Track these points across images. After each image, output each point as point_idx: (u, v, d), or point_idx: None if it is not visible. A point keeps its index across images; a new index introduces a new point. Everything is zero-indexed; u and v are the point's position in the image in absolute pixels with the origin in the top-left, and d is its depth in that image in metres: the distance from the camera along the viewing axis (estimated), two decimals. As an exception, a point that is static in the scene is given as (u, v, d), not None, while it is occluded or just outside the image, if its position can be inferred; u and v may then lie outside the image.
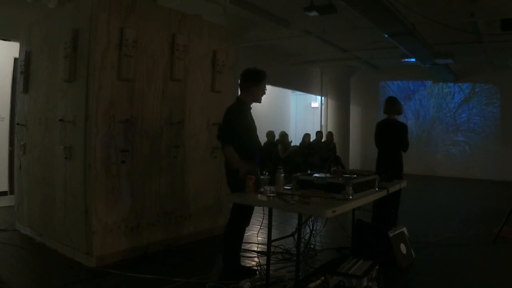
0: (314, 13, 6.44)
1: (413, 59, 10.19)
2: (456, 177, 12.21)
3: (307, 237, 3.82)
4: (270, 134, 10.41)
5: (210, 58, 4.79)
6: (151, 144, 4.15)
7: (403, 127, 4.92)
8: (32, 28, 4.72)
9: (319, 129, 13.14)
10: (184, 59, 4.41)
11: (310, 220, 3.75)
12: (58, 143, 4.07)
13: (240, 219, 3.50)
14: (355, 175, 3.42)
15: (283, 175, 3.24)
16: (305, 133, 11.56)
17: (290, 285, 3.21)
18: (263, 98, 3.61)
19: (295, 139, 12.25)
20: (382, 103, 5.23)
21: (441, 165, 12.83)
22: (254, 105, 3.61)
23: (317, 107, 15.11)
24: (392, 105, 5.01)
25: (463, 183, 11.23)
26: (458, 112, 12.77)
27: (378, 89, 14.10)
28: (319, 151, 10.73)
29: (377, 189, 3.52)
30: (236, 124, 3.42)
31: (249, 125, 3.53)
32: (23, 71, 4.74)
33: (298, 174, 3.51)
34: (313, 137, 11.65)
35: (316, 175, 3.33)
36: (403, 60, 10.66)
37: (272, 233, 3.08)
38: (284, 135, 10.29)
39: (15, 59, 6.38)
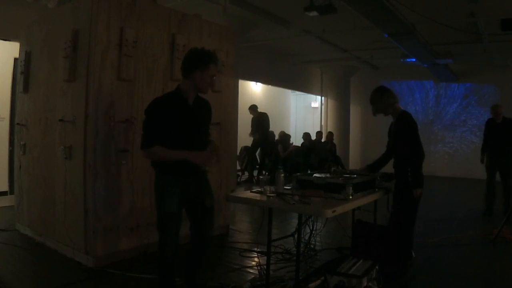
0: (314, 13, 6.42)
1: (413, 59, 10.19)
2: (456, 177, 12.19)
3: (307, 237, 3.81)
4: (270, 134, 10.43)
5: (210, 58, 4.78)
6: (151, 144, 4.14)
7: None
8: (32, 28, 4.71)
9: (319, 129, 13.13)
10: (184, 59, 4.40)
11: (310, 220, 3.75)
12: (58, 143, 4.07)
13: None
14: (355, 175, 3.43)
15: (283, 175, 3.24)
16: (304, 132, 11.56)
17: (290, 285, 3.21)
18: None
19: (295, 139, 12.23)
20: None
21: (440, 165, 12.80)
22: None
23: (317, 107, 15.10)
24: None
25: (463, 183, 11.21)
26: (457, 112, 12.76)
27: (378, 89, 14.06)
28: (318, 151, 10.72)
29: (377, 189, 3.53)
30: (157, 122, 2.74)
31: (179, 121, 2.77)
32: (23, 71, 4.73)
33: (298, 174, 3.51)
34: (313, 137, 11.65)
35: (316, 175, 3.33)
36: (403, 60, 10.65)
37: (272, 233, 3.08)
38: (284, 135, 10.29)
39: (15, 59, 6.38)
